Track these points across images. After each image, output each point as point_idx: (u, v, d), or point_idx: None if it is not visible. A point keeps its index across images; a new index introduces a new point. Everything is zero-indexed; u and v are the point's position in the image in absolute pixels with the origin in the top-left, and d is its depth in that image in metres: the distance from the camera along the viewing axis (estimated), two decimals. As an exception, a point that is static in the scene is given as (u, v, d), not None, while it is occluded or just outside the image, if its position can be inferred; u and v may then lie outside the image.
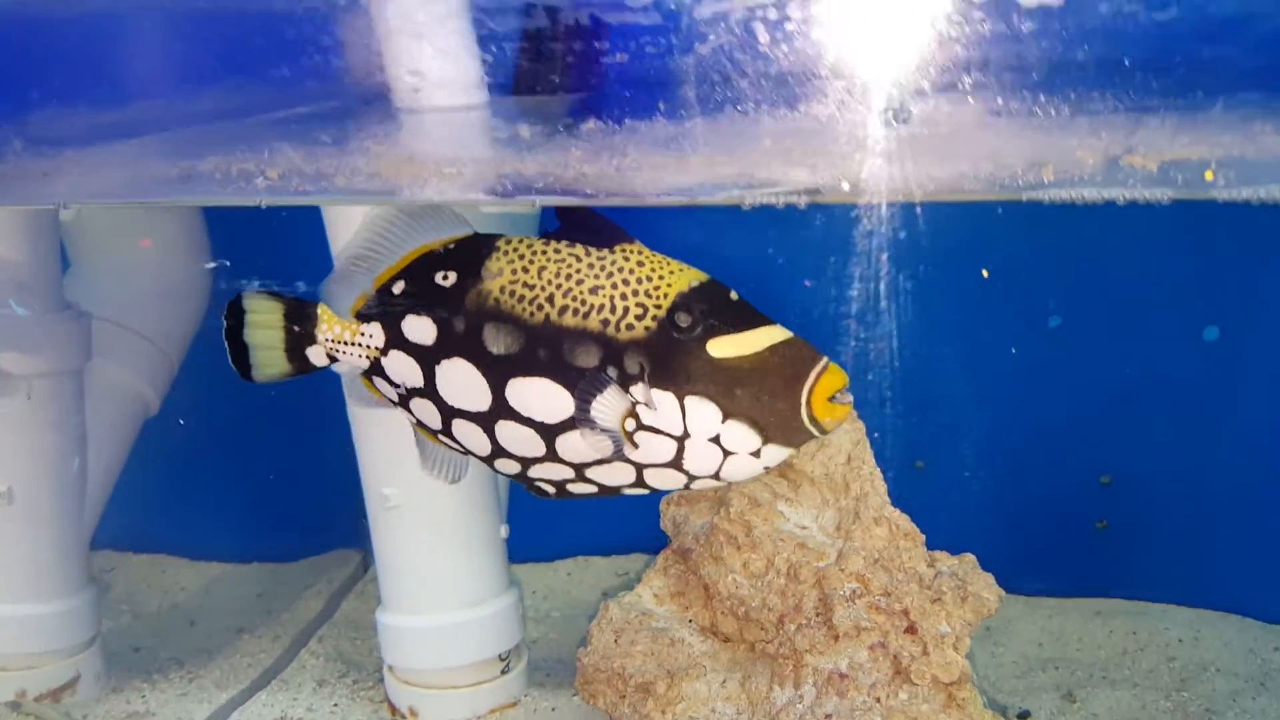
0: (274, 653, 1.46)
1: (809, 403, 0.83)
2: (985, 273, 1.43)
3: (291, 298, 0.98)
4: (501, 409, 0.90)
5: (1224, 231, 1.32)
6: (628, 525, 1.77)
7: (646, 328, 0.85)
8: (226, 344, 0.99)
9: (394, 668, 1.28)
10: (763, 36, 0.79)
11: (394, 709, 1.28)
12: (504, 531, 1.29)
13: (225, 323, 0.98)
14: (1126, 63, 0.78)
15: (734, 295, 0.87)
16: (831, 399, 0.83)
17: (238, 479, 1.79)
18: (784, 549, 0.98)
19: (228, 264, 1.47)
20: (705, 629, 1.02)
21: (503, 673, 1.27)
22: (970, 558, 1.02)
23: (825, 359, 0.84)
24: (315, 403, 1.72)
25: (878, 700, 0.91)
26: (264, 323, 0.97)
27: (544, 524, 1.58)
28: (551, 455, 0.90)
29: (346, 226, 1.14)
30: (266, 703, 1.33)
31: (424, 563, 1.23)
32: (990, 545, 1.10)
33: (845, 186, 0.86)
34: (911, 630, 0.91)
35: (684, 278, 0.86)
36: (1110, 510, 1.53)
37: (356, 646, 1.50)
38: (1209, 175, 0.83)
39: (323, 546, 1.80)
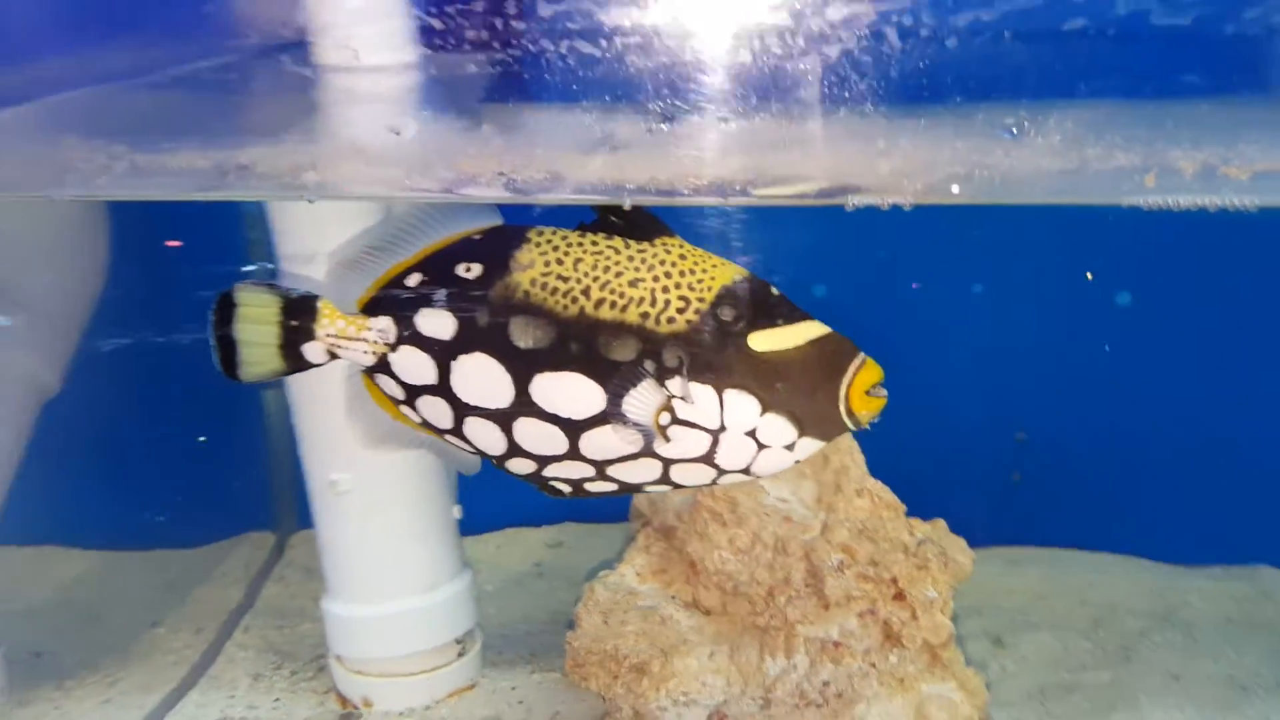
0: (198, 647, 1.38)
1: (847, 396, 0.83)
2: (1089, 275, 1.48)
3: (290, 290, 0.91)
4: (524, 405, 0.86)
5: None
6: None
7: (689, 321, 0.83)
8: (212, 340, 0.91)
9: (343, 657, 1.23)
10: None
11: (344, 700, 1.23)
12: (457, 513, 1.25)
13: (212, 317, 0.90)
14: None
15: (774, 290, 0.86)
16: (868, 392, 0.84)
17: (131, 459, 1.67)
18: (769, 523, 0.99)
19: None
20: (688, 604, 1.03)
21: (459, 656, 1.24)
22: (941, 523, 1.06)
23: (862, 354, 0.85)
24: (219, 378, 1.63)
25: (872, 665, 0.93)
26: (258, 317, 0.90)
27: (470, 498, 1.54)
28: (573, 453, 0.88)
29: (293, 221, 1.08)
30: (200, 703, 1.26)
31: (377, 549, 1.19)
32: (913, 500, 1.15)
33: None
34: (900, 597, 0.94)
35: (727, 271, 0.85)
36: (1024, 464, 1.61)
37: (285, 635, 1.44)
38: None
39: (232, 529, 1.70)
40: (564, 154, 0.75)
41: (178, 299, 1.52)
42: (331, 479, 1.16)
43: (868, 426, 0.86)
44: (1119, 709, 1.19)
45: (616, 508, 1.96)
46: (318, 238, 1.06)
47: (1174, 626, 1.39)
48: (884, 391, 0.84)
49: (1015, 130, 0.65)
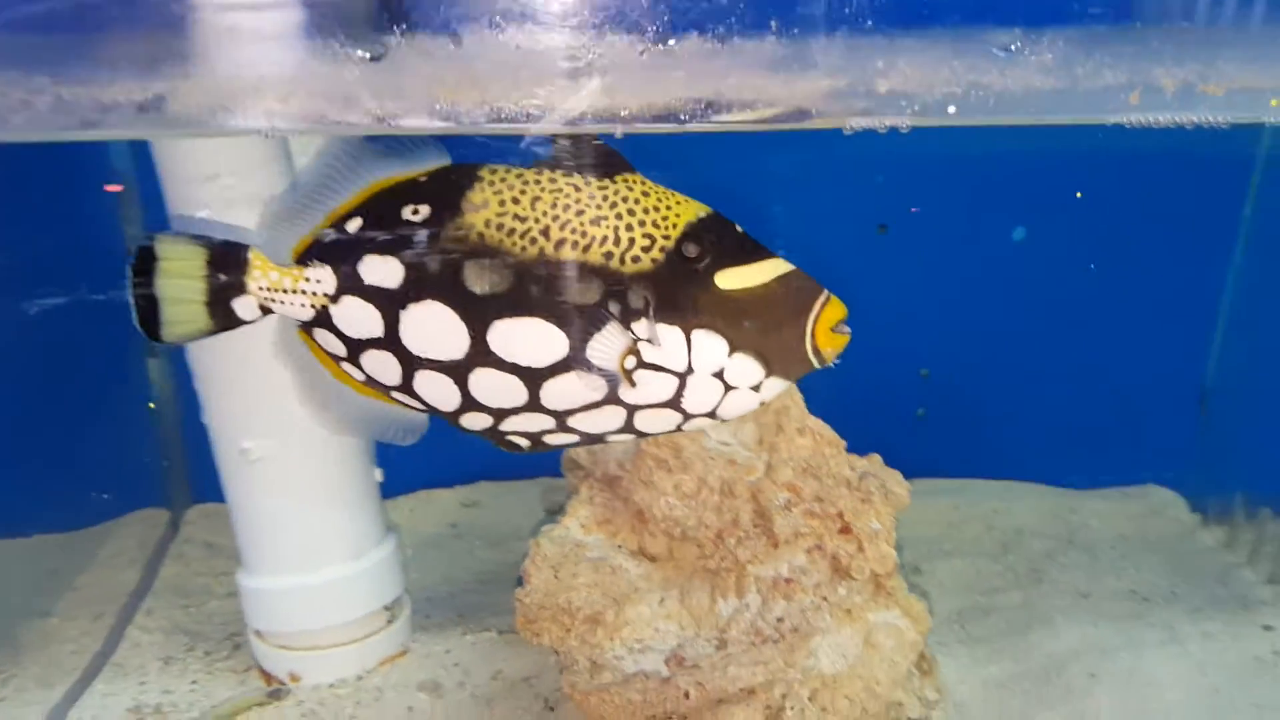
0: (98, 634, 1.29)
1: (814, 333, 0.82)
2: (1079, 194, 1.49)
3: (216, 241, 0.83)
4: (480, 355, 0.81)
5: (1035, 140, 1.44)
6: (467, 456, 1.72)
7: (654, 260, 0.80)
8: (131, 298, 0.83)
9: (264, 633, 1.17)
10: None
11: (269, 677, 1.18)
12: (378, 475, 1.20)
13: (130, 271, 0.82)
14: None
15: (738, 228, 0.83)
16: (833, 329, 0.83)
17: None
18: (715, 467, 0.99)
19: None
20: (635, 553, 1.02)
21: (388, 623, 1.20)
22: (877, 457, 1.08)
23: (826, 291, 0.84)
24: (96, 344, 1.52)
25: (824, 599, 0.95)
26: (182, 271, 0.82)
27: (379, 461, 1.49)
28: (533, 404, 0.84)
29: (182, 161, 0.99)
30: (108, 693, 1.18)
31: (297, 518, 1.13)
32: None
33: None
34: (846, 530, 0.96)
35: (690, 208, 0.82)
36: (928, 400, 1.67)
37: (192, 615, 1.36)
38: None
39: (120, 508, 1.59)
40: (550, 80, 0.70)
41: (47, 258, 1.40)
42: (243, 447, 1.10)
43: (831, 364, 0.85)
44: (1034, 628, 1.25)
45: (531, 464, 1.94)
46: (213, 182, 0.99)
47: (1077, 547, 1.46)
48: (848, 329, 0.84)
49: (1010, 49, 0.65)
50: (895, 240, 1.60)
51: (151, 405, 1.61)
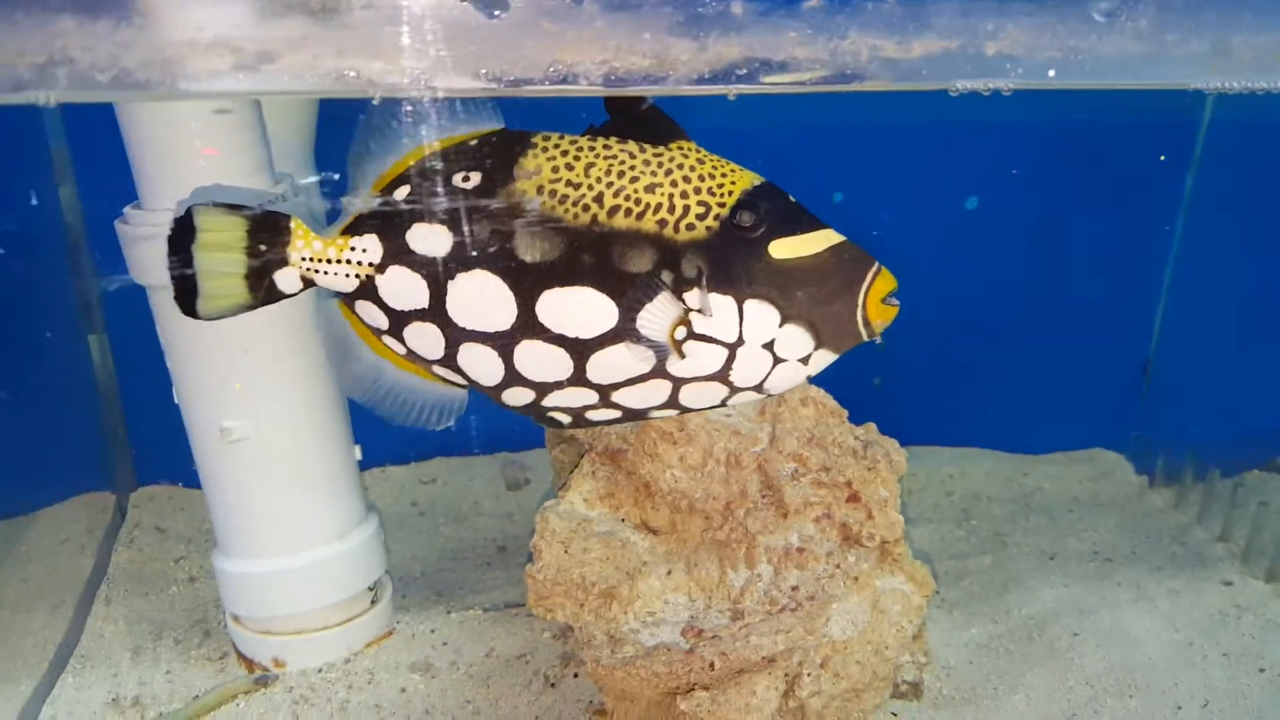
0: (58, 626, 1.23)
1: (865, 304, 0.83)
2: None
3: (256, 210, 0.79)
4: (528, 326, 0.79)
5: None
6: (420, 431, 1.69)
7: (708, 228, 0.78)
8: (169, 273, 0.79)
9: (244, 618, 1.14)
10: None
11: (251, 664, 1.14)
12: (357, 453, 1.17)
13: (168, 245, 0.78)
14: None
15: (791, 198, 0.83)
16: (883, 301, 0.84)
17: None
18: (719, 438, 0.99)
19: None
20: (638, 526, 1.01)
21: (372, 604, 1.18)
22: (873, 426, 1.10)
23: (877, 262, 0.84)
24: (33, 319, 1.43)
25: (836, 567, 0.96)
26: (221, 243, 0.78)
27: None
28: (578, 377, 0.82)
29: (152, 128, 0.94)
30: (79, 686, 1.13)
31: (280, 499, 1.09)
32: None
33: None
34: (855, 499, 0.97)
35: (745, 177, 0.81)
36: (883, 369, 1.70)
37: (153, 602, 1.31)
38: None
39: (61, 493, 1.52)
40: (674, 39, 0.67)
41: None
42: (223, 426, 1.05)
43: (879, 337, 0.86)
44: (1009, 590, 1.30)
45: (487, 439, 1.92)
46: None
47: (1034, 510, 1.52)
48: (897, 301, 0.84)
49: (1109, 14, 0.66)
50: (850, 209, 1.62)
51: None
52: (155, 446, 1.59)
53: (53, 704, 1.09)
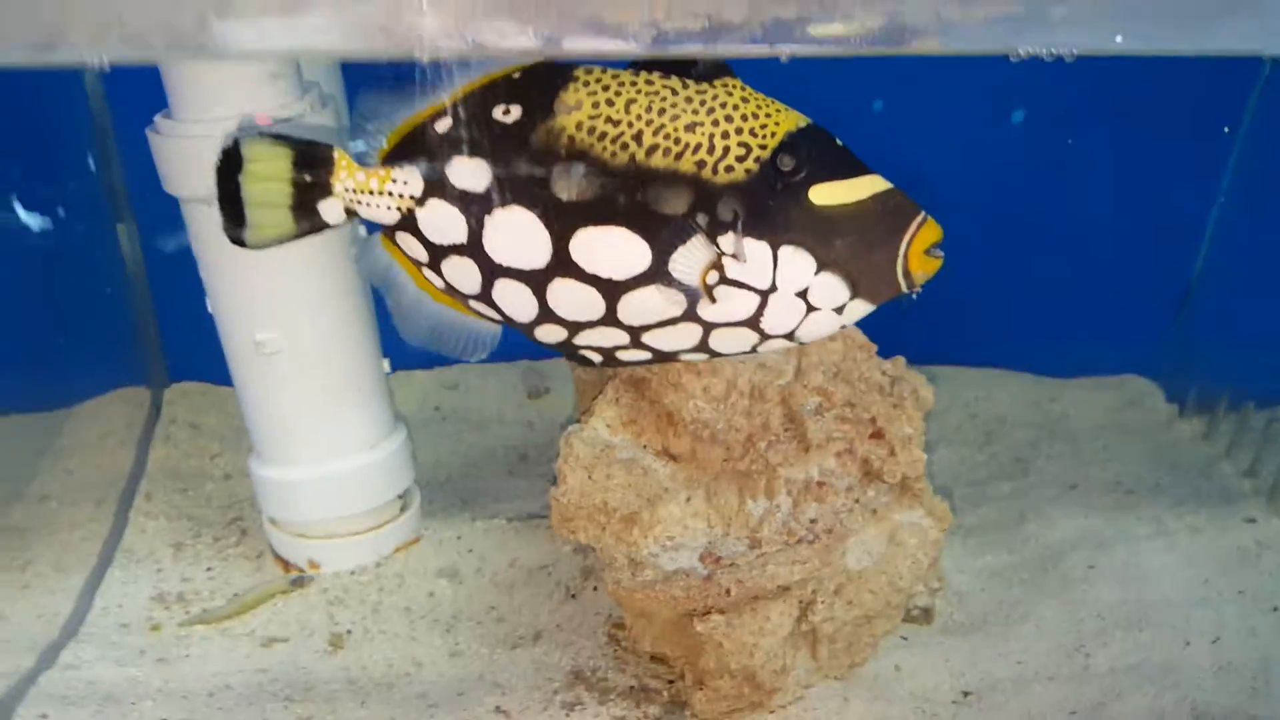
0: (103, 520, 1.29)
1: (906, 255, 0.82)
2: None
3: (301, 140, 0.80)
4: (561, 265, 0.80)
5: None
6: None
7: (747, 170, 0.77)
8: (215, 202, 0.80)
9: (279, 521, 1.19)
10: None
11: (286, 564, 1.20)
12: (386, 366, 1.20)
13: (216, 176, 0.79)
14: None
15: (838, 141, 0.82)
16: (926, 252, 0.83)
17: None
18: (744, 371, 1.00)
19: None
20: (659, 453, 1.04)
21: (402, 511, 1.23)
22: (901, 360, 1.10)
23: (923, 212, 0.83)
24: (62, 212, 1.45)
25: (856, 501, 0.99)
26: (267, 173, 0.79)
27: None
28: (609, 318, 0.83)
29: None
30: (126, 580, 1.19)
31: (315, 409, 1.12)
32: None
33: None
34: (878, 435, 0.99)
35: (790, 118, 0.79)
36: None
37: (191, 499, 1.36)
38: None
39: (99, 387, 1.56)
40: None
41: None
42: (258, 339, 1.08)
43: (919, 290, 0.85)
44: (1027, 519, 1.31)
45: (509, 347, 1.94)
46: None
47: (1059, 437, 1.53)
48: (941, 253, 0.83)
49: None
50: (889, 120, 1.58)
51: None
52: (187, 343, 1.62)
53: (103, 596, 1.16)
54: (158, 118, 1.02)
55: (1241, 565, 1.21)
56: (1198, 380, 1.55)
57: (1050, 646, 1.11)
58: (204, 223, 1.00)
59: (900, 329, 1.72)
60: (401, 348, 1.68)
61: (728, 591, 1.00)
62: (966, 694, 1.05)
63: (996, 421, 1.59)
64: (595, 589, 1.15)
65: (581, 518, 1.00)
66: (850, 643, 1.06)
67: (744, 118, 0.78)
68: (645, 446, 1.04)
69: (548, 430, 1.50)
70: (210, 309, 1.10)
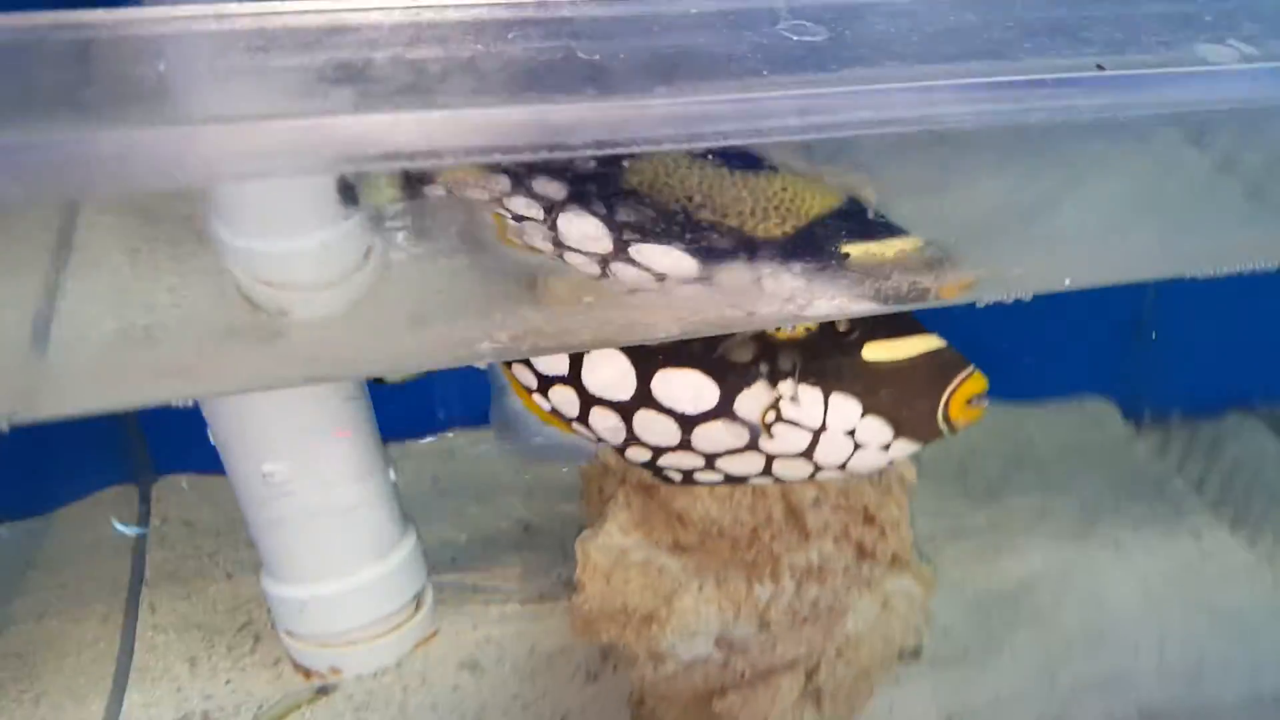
0: (111, 638, 1.35)
1: (947, 405, 0.94)
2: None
3: None
4: (644, 398, 0.97)
5: None
6: (439, 403, 1.77)
7: (807, 329, 0.94)
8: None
9: (295, 633, 1.26)
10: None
11: (307, 672, 1.28)
12: (392, 475, 1.28)
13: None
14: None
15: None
16: (969, 403, 0.94)
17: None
18: (745, 469, 1.11)
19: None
20: (670, 547, 1.14)
21: (418, 609, 1.31)
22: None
23: (971, 366, 0.94)
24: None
25: (853, 579, 1.11)
26: None
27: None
28: (685, 445, 0.99)
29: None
30: (147, 703, 1.26)
31: (326, 533, 1.20)
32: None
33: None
34: (870, 520, 1.11)
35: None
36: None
37: (197, 606, 1.42)
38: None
39: (82, 487, 1.61)
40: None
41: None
42: (265, 471, 1.15)
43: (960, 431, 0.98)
44: (1002, 550, 1.46)
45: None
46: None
47: (1027, 465, 1.68)
48: (985, 402, 0.95)
49: None
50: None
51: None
52: (170, 433, 1.65)
53: (127, 725, 1.22)
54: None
55: (1186, 577, 1.40)
56: (1151, 398, 1.70)
57: (1022, 670, 1.28)
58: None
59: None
60: (394, 419, 1.76)
61: (743, 675, 1.12)
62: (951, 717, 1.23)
63: (969, 453, 1.72)
64: (615, 669, 1.26)
65: (603, 621, 1.10)
66: (850, 694, 1.19)
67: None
68: (657, 543, 1.14)
69: (548, 498, 1.59)
70: (212, 439, 1.17)
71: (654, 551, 1.13)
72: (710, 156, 0.91)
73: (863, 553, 1.12)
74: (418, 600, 1.32)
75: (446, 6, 0.73)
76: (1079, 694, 1.24)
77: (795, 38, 0.71)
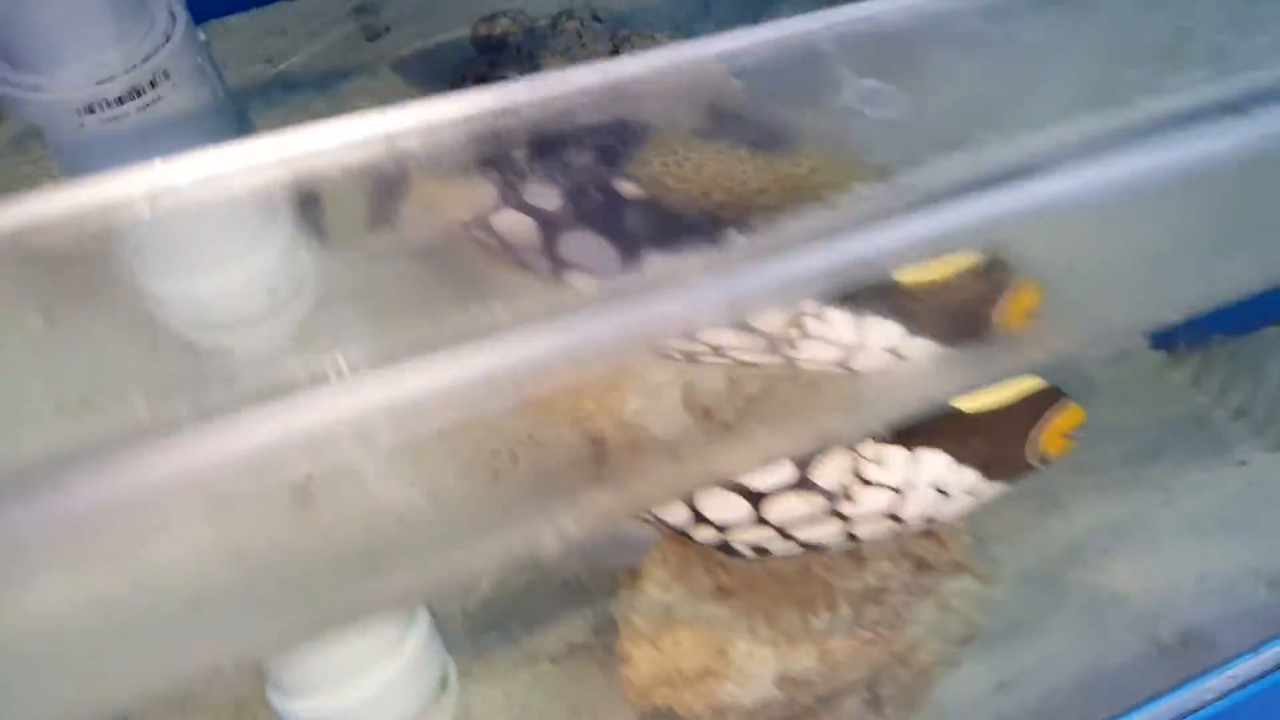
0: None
1: (1041, 440, 0.86)
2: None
3: None
4: None
5: None
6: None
7: None
8: None
9: (323, 738, 1.17)
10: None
11: (336, 772, 1.18)
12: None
13: None
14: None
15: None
16: (1064, 435, 0.86)
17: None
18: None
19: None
20: (714, 592, 1.06)
21: (444, 688, 1.22)
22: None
23: (1066, 399, 0.87)
24: None
25: (912, 593, 1.03)
26: None
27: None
28: (756, 519, 0.89)
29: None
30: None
31: (340, 645, 1.10)
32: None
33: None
34: (929, 534, 1.03)
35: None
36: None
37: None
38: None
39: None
40: None
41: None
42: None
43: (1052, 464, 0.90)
44: (1049, 512, 1.39)
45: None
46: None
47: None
48: (1081, 432, 0.86)
49: None
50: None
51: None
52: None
53: None
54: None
55: (1233, 506, 1.35)
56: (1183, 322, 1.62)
57: (1072, 630, 1.24)
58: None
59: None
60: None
61: (810, 710, 1.04)
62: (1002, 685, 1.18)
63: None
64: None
65: (658, 687, 1.02)
66: (911, 694, 1.13)
67: None
68: (699, 593, 1.06)
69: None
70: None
71: (698, 604, 1.04)
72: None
73: (922, 566, 1.04)
74: (443, 682, 1.22)
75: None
76: (1121, 634, 1.22)
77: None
